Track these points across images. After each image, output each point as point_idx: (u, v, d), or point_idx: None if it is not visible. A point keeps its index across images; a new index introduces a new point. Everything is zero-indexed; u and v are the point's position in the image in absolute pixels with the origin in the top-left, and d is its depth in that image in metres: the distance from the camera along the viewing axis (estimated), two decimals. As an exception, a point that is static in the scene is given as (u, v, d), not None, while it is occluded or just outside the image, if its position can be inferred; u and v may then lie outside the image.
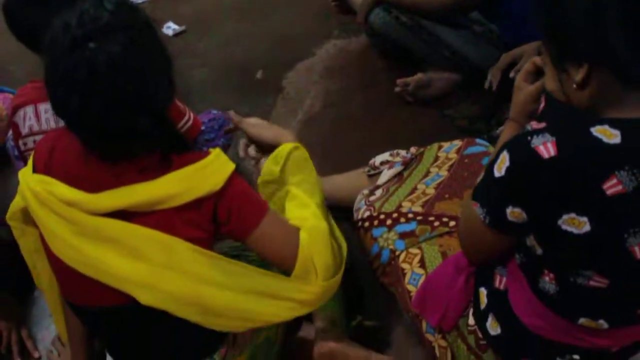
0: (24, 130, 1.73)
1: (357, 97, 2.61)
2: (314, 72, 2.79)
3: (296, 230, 1.25)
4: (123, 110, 1.10)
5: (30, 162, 1.29)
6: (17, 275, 1.66)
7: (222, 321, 1.25)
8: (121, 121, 1.11)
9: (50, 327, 1.82)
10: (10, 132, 1.94)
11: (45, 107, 1.70)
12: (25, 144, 1.74)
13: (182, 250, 1.19)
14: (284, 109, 2.56)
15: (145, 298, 1.20)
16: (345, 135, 2.41)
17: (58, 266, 1.26)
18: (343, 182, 1.98)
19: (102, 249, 1.19)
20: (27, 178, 1.25)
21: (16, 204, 1.34)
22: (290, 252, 1.23)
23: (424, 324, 1.54)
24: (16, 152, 1.94)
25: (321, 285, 1.24)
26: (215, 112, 2.10)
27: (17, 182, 1.28)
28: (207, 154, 1.22)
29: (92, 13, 1.09)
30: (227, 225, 1.23)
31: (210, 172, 1.19)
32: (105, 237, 1.18)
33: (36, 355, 1.74)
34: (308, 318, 1.55)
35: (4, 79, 2.68)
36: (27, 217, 1.34)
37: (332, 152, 2.27)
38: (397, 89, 2.51)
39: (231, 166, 1.22)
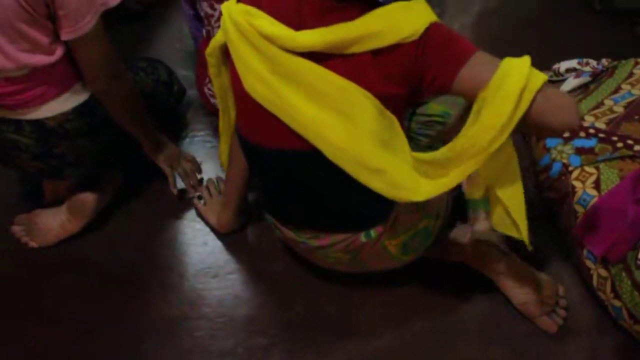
0: None
1: (541, -1, 2.42)
2: (497, -36, 2.59)
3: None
4: None
5: None
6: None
7: (377, 183, 1.19)
8: None
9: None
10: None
11: None
12: None
13: (362, 101, 1.14)
14: (461, -1, 2.41)
15: (320, 145, 1.17)
16: (523, 35, 2.24)
17: (244, 101, 1.24)
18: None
19: (292, 90, 1.16)
20: (230, 8, 1.21)
21: (216, 40, 1.31)
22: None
23: (584, 250, 1.44)
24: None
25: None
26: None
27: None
28: None
29: None
30: (428, 71, 1.14)
31: (414, 14, 1.12)
32: (296, 78, 1.15)
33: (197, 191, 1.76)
34: (463, 219, 1.48)
35: None
36: (224, 55, 1.32)
37: (506, 50, 2.09)
38: (587, -6, 2.30)
39: (433, 14, 1.13)
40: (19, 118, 1.43)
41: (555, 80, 1.78)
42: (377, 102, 1.14)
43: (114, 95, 1.47)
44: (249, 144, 1.32)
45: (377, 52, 1.12)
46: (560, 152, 1.58)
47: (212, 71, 1.39)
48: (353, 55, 1.12)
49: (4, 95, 1.38)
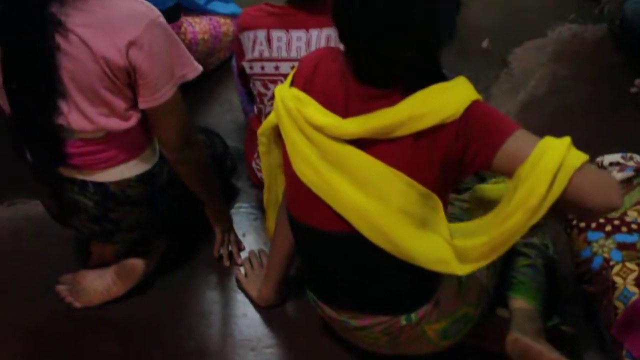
0: (252, 54, 1.69)
1: (586, 88, 2.44)
2: (543, 53, 2.63)
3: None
4: (408, 40, 1.09)
5: (289, 78, 1.31)
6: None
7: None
8: (402, 51, 1.10)
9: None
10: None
11: (278, 35, 1.64)
12: (251, 68, 1.71)
13: (404, 188, 1.17)
14: (507, 85, 2.45)
15: (362, 228, 1.21)
16: (567, 126, 2.22)
17: (294, 183, 1.29)
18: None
19: (338, 177, 1.20)
20: (283, 93, 1.27)
21: (269, 121, 1.37)
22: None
23: (623, 350, 1.42)
24: (236, 71, 2.00)
25: None
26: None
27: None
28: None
29: None
30: (470, 148, 1.16)
31: (455, 94, 1.15)
32: (343, 165, 1.19)
33: (239, 261, 1.81)
34: (502, 303, 1.49)
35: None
36: (276, 135, 1.38)
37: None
38: (632, 89, 2.32)
39: (475, 92, 1.17)
40: (85, 179, 1.49)
41: (599, 174, 1.79)
42: (419, 186, 1.18)
43: (187, 161, 1.54)
44: (298, 223, 1.36)
45: (419, 134, 1.15)
46: (602, 246, 1.58)
47: (262, 149, 1.45)
48: (396, 139, 1.16)
49: (77, 155, 1.45)
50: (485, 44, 2.67)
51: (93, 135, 1.42)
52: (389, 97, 1.16)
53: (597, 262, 1.56)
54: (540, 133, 2.16)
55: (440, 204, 1.22)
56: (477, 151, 1.16)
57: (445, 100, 1.14)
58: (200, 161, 1.59)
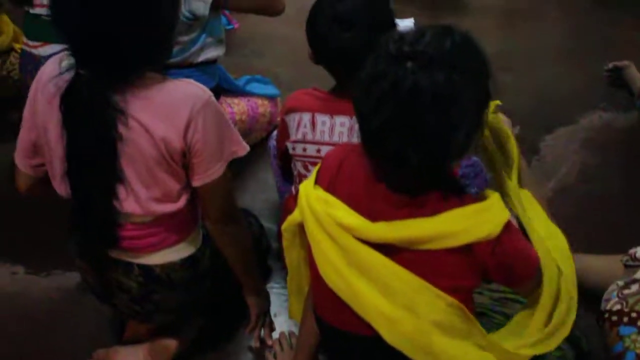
0: (296, 136, 1.73)
1: (618, 177, 2.47)
2: (574, 141, 2.68)
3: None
4: (429, 143, 1.09)
5: (313, 175, 1.33)
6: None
7: None
8: (427, 155, 1.11)
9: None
10: (275, 132, 2.06)
11: (322, 119, 1.69)
12: (294, 149, 1.75)
13: (431, 299, 1.18)
14: (538, 172, 2.47)
15: (387, 335, 1.21)
16: (599, 215, 2.27)
17: (319, 282, 1.30)
18: (594, 264, 1.86)
19: (364, 283, 1.20)
20: (308, 192, 1.28)
21: (293, 217, 1.37)
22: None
23: None
24: (274, 152, 2.06)
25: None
26: (475, 158, 2.07)
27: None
28: (484, 197, 1.19)
29: (433, 39, 1.09)
30: (496, 274, 1.20)
31: (491, 215, 1.16)
32: (369, 272, 1.20)
33: (270, 342, 1.81)
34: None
35: (272, 79, 2.83)
36: (300, 231, 1.39)
37: (581, 229, 2.15)
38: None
39: (507, 213, 1.18)
40: (131, 261, 1.53)
41: (631, 265, 1.79)
42: (447, 297, 1.18)
43: (229, 235, 1.57)
44: (322, 320, 1.38)
45: (451, 250, 1.16)
46: (634, 341, 1.56)
47: (285, 244, 1.46)
48: (427, 251, 1.16)
49: (125, 238, 1.49)
50: (516, 130, 2.70)
51: (142, 219, 1.46)
52: (420, 205, 1.17)
53: (629, 357, 1.55)
54: (572, 222, 2.17)
55: (471, 315, 1.22)
56: (502, 278, 1.24)
57: (481, 221, 1.16)
58: (242, 236, 1.62)
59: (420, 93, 1.05)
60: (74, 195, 1.43)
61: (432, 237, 1.15)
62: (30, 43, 2.41)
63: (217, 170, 1.44)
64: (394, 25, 1.64)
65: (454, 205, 1.16)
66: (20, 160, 1.53)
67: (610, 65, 3.06)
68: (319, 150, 1.71)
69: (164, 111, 1.35)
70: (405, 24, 3.01)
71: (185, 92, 1.38)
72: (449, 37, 1.10)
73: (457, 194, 1.19)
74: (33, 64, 2.39)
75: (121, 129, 1.34)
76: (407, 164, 1.10)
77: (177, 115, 1.35)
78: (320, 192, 1.26)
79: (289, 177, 1.94)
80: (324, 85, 1.75)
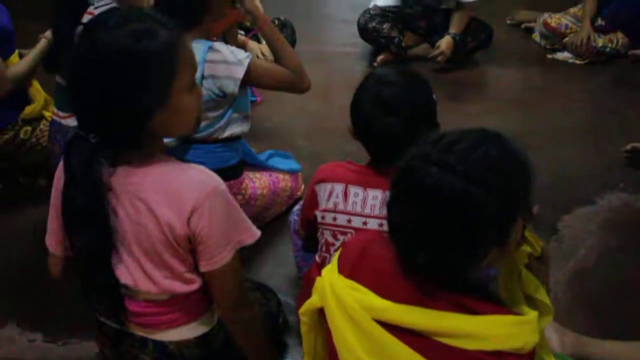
0: (327, 205, 1.78)
1: (636, 260, 2.44)
2: (592, 222, 2.67)
3: None
4: (438, 247, 1.13)
5: (334, 263, 1.33)
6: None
7: None
8: (435, 258, 1.14)
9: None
10: (297, 206, 2.09)
11: (355, 191, 1.74)
12: (323, 217, 1.80)
13: None
14: (556, 253, 2.45)
15: None
16: (619, 299, 2.25)
17: None
18: (614, 349, 1.84)
19: None
20: (333, 279, 1.28)
21: (312, 302, 1.36)
22: None
23: None
24: (294, 226, 2.09)
25: None
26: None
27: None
28: (519, 312, 1.22)
29: (466, 148, 1.13)
30: None
31: (529, 330, 1.17)
32: (389, 357, 1.19)
33: None
34: None
35: (294, 152, 2.91)
36: (318, 317, 1.37)
37: (604, 314, 2.14)
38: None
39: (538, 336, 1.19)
40: (147, 336, 1.54)
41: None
42: None
43: (240, 323, 1.58)
44: None
45: (481, 352, 1.14)
46: None
47: (303, 329, 1.45)
48: (455, 347, 1.15)
49: (141, 315, 1.51)
50: (535, 210, 2.71)
51: (158, 297, 1.48)
52: (458, 303, 1.17)
53: None
54: (591, 306, 2.18)
55: None
56: None
57: (520, 331, 1.16)
58: (252, 321, 1.62)
59: (437, 198, 1.10)
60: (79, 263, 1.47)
61: (468, 334, 1.15)
62: (60, 113, 2.49)
63: (222, 258, 1.45)
64: (435, 115, 1.72)
65: (493, 310, 1.17)
66: (51, 241, 1.56)
67: (629, 146, 3.09)
68: (349, 221, 1.76)
69: (170, 196, 1.37)
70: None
71: (193, 179, 1.40)
72: (482, 147, 1.14)
73: (486, 299, 1.20)
74: (61, 133, 2.47)
75: (129, 209, 1.37)
76: (417, 263, 1.14)
77: (182, 201, 1.37)
78: (347, 281, 1.26)
79: (311, 247, 1.96)
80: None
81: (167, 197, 1.37)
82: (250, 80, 2.13)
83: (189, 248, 1.43)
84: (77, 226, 1.41)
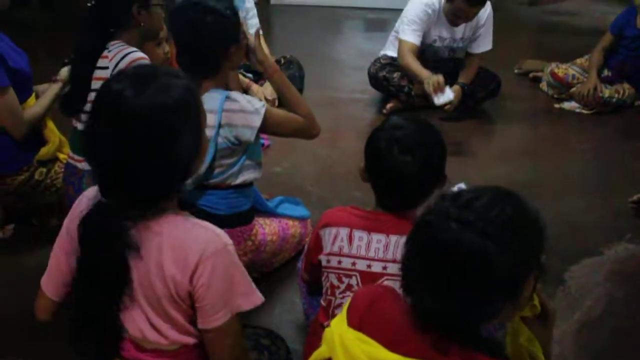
0: (332, 248, 1.82)
1: (643, 312, 2.45)
2: (599, 272, 2.67)
3: None
4: (450, 301, 1.16)
5: (344, 314, 1.35)
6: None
7: None
8: (445, 310, 1.16)
9: None
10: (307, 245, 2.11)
11: (360, 235, 1.78)
12: (328, 261, 1.83)
13: None
14: (563, 303, 2.47)
15: None
16: (626, 351, 2.25)
17: None
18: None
19: None
20: (341, 331, 1.30)
21: (321, 353, 1.37)
22: None
23: None
24: (301, 272, 2.10)
25: None
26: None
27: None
28: None
29: (484, 207, 1.17)
30: None
31: None
32: None
33: None
34: None
35: (303, 197, 2.94)
36: None
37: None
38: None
39: None
40: None
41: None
42: None
43: None
44: None
45: None
46: None
47: None
48: None
49: None
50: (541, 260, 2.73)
51: (167, 348, 1.49)
52: (464, 357, 1.19)
53: None
54: (597, 357, 2.17)
55: None
56: None
57: None
58: None
59: (456, 253, 1.14)
60: (77, 306, 1.49)
61: None
62: (76, 157, 2.53)
63: (218, 319, 1.45)
64: (444, 164, 1.78)
65: None
66: (50, 286, 1.58)
67: (636, 197, 3.11)
68: (354, 263, 1.79)
69: (177, 252, 1.40)
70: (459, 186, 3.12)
71: (201, 237, 1.43)
72: (499, 206, 1.18)
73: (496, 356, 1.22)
74: (76, 176, 2.51)
75: (135, 262, 1.40)
76: (430, 317, 1.17)
77: (188, 258, 1.40)
78: (356, 332, 1.28)
79: (315, 290, 1.99)
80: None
81: (175, 254, 1.40)
82: (266, 128, 2.18)
83: (190, 303, 1.45)
84: (93, 285, 1.44)
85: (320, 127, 2.34)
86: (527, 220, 1.20)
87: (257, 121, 2.14)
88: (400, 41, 3.92)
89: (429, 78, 3.59)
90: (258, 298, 1.52)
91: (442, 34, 3.99)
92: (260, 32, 2.29)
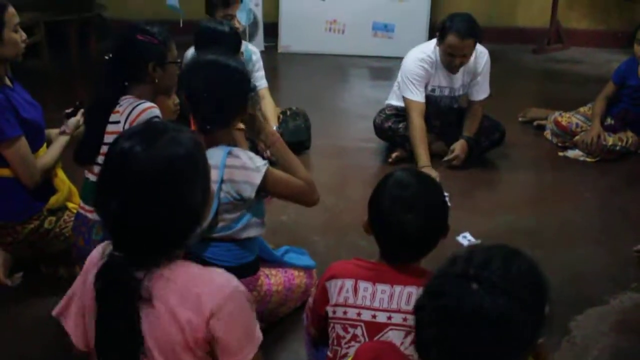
0: (337, 299, 1.85)
1: (650, 364, 2.44)
2: (604, 322, 2.67)
3: None
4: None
5: None
6: None
7: None
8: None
9: None
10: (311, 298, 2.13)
11: (365, 286, 1.82)
12: (334, 312, 1.86)
13: None
14: (569, 354, 2.46)
15: None
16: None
17: None
18: None
19: None
20: None
21: None
22: None
23: None
24: (307, 323, 2.12)
25: None
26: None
27: None
28: None
29: (501, 265, 1.19)
30: None
31: None
32: None
33: None
34: None
35: (309, 246, 2.97)
36: None
37: None
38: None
39: None
40: None
41: None
42: None
43: None
44: None
45: None
46: None
47: None
48: None
49: None
50: (546, 310, 2.73)
51: None
52: None
53: None
54: None
55: None
56: None
57: None
58: None
59: (482, 314, 1.14)
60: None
61: None
62: (87, 207, 2.57)
63: (246, 355, 1.48)
64: (447, 217, 1.84)
65: None
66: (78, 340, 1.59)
67: (641, 246, 3.12)
68: (359, 314, 1.83)
69: (190, 299, 1.42)
70: (467, 238, 3.17)
71: (213, 281, 1.47)
72: (515, 264, 1.20)
73: None
74: (86, 226, 2.55)
75: (147, 309, 1.42)
76: None
77: (203, 304, 1.42)
78: None
79: (321, 342, 2.01)
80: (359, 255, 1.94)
81: (187, 301, 1.42)
82: (266, 187, 2.22)
83: (207, 350, 1.46)
84: (110, 343, 1.47)
85: (319, 196, 2.38)
86: (539, 276, 1.22)
87: (257, 178, 2.18)
88: (406, 100, 4.00)
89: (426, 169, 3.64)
90: (259, 337, 1.55)
91: (441, 83, 4.05)
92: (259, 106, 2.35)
